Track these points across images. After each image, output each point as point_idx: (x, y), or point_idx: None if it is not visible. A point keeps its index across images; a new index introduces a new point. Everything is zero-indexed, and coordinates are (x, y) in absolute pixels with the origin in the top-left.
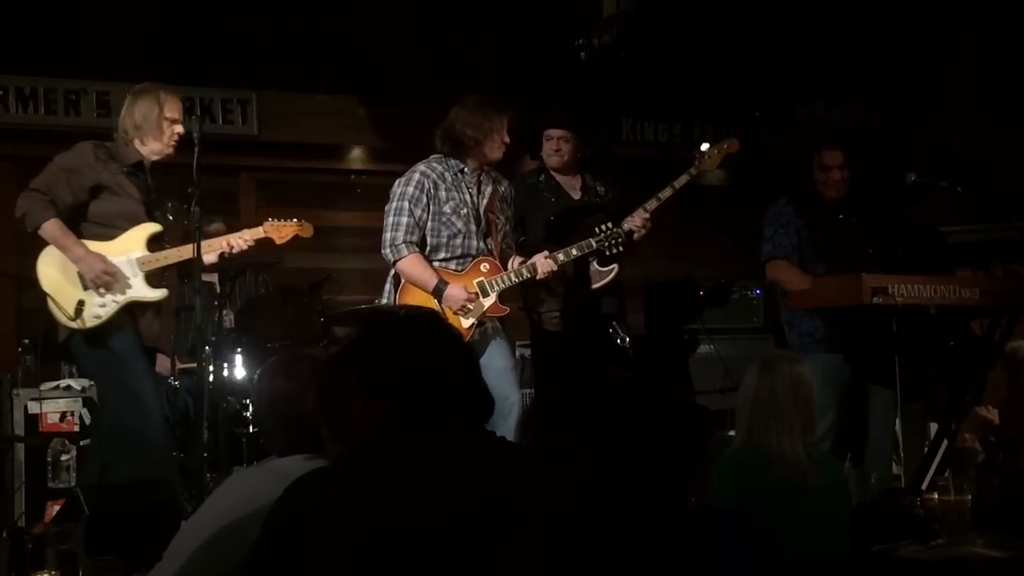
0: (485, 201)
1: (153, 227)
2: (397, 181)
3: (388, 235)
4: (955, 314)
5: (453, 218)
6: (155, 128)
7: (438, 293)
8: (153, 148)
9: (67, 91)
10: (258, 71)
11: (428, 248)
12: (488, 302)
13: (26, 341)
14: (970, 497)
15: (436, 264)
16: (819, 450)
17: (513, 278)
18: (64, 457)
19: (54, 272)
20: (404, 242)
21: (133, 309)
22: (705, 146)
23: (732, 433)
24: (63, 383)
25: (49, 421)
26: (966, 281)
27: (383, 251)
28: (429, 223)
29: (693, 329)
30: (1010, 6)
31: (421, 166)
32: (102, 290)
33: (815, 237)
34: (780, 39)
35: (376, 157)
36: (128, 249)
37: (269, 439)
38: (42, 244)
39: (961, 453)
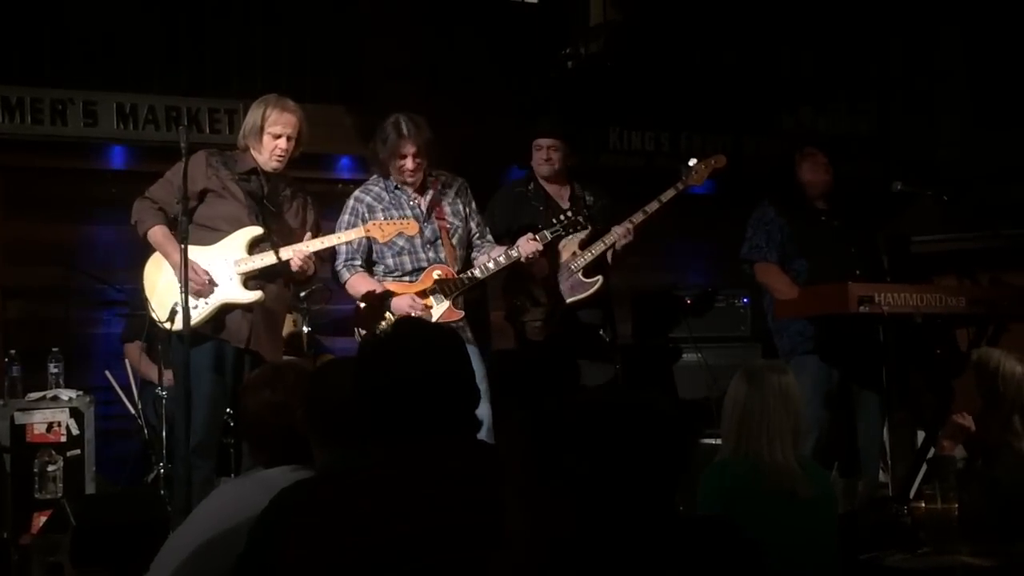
0: (427, 211)
1: (255, 230)
2: None
3: (333, 265)
4: (942, 322)
5: (394, 237)
6: (256, 139)
7: (387, 304)
8: (260, 159)
9: (54, 101)
10: (245, 81)
11: (382, 269)
12: (441, 308)
13: (12, 352)
14: (956, 506)
15: (392, 281)
16: (807, 459)
17: (478, 275)
18: (51, 468)
19: (156, 276)
20: (344, 265)
21: (232, 311)
22: (692, 161)
23: (717, 441)
24: (49, 393)
25: (36, 432)
26: (952, 290)
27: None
28: (373, 246)
29: (680, 338)
30: (996, 15)
31: (356, 192)
32: (200, 291)
33: (798, 234)
34: (766, 48)
35: (364, 167)
36: (228, 252)
37: (256, 451)
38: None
39: (940, 461)
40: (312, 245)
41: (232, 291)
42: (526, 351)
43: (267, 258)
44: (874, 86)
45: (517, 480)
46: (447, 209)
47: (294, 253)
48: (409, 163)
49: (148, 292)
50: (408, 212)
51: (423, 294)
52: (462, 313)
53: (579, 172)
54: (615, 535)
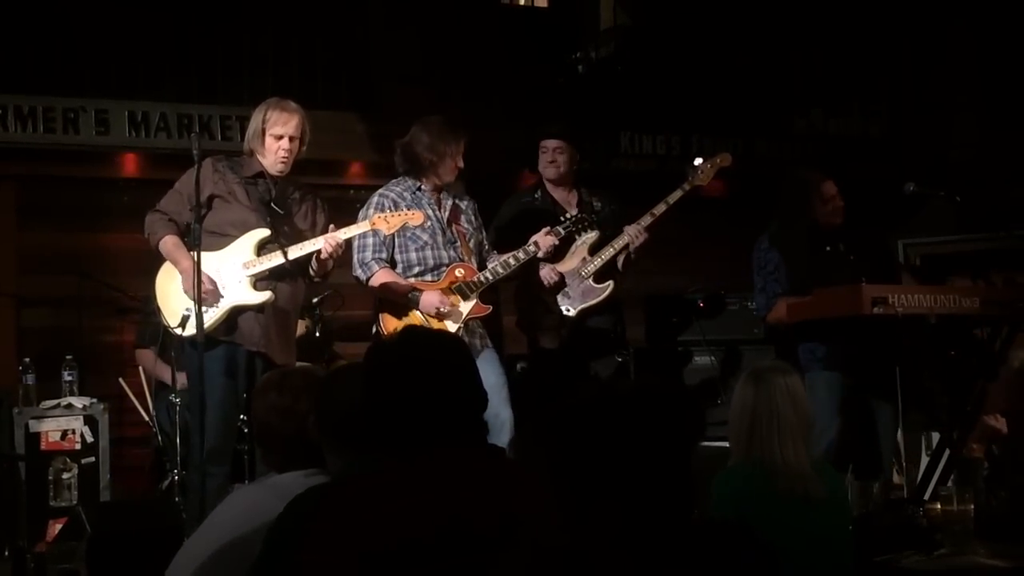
0: (446, 214)
1: (262, 232)
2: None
3: (356, 257)
4: (956, 324)
5: (417, 231)
6: (259, 143)
7: (414, 301)
8: (265, 162)
9: (66, 109)
10: (256, 88)
11: (401, 266)
12: (469, 304)
13: (26, 359)
14: (972, 507)
15: (412, 279)
16: (820, 461)
17: (500, 270)
18: (65, 475)
19: (167, 285)
20: (373, 259)
21: (244, 313)
22: (698, 161)
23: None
24: (64, 401)
25: (50, 439)
26: (966, 290)
27: (354, 273)
28: (396, 241)
29: (694, 341)
30: (1008, 16)
31: (380, 190)
32: (206, 298)
33: (805, 271)
34: (778, 50)
35: (375, 173)
36: (236, 255)
37: (266, 456)
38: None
39: (967, 464)
40: (343, 233)
41: (242, 293)
42: (539, 358)
43: (275, 259)
44: (886, 88)
45: (536, 483)
46: (462, 217)
47: (326, 240)
48: (460, 163)
49: (160, 301)
50: (429, 210)
51: (447, 291)
52: (491, 307)
53: (591, 176)
54: (634, 534)
